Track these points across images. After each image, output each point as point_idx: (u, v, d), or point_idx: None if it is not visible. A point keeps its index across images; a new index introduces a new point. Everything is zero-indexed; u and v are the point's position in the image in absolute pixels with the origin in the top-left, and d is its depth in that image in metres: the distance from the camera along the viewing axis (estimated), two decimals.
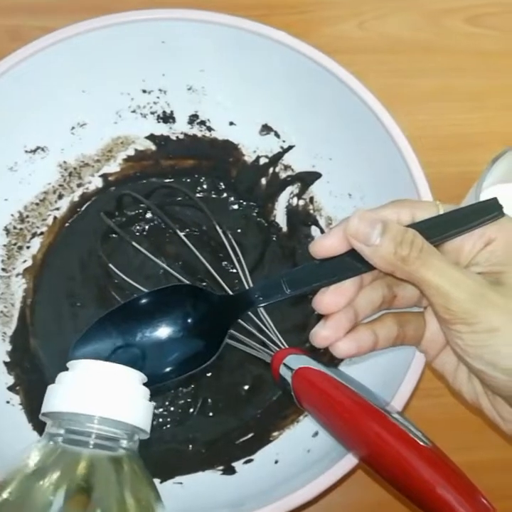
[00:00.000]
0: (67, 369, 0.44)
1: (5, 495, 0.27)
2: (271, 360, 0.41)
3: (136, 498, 0.28)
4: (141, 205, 0.49)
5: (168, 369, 0.35)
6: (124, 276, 0.45)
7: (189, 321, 0.36)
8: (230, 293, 0.45)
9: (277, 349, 0.42)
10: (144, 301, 0.36)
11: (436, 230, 0.32)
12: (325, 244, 0.32)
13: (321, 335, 0.33)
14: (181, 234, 0.47)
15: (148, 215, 0.49)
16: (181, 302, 0.36)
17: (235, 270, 0.46)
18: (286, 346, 0.42)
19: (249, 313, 0.44)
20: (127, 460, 0.29)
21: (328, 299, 0.33)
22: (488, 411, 0.34)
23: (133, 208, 0.49)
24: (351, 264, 0.32)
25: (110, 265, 0.45)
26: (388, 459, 0.33)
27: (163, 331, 0.36)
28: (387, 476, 0.34)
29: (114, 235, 0.48)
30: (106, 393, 0.29)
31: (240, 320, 0.42)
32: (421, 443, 0.33)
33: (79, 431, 0.29)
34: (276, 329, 0.43)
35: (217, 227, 0.46)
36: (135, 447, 0.30)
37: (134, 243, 0.46)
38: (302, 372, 0.38)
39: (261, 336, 0.43)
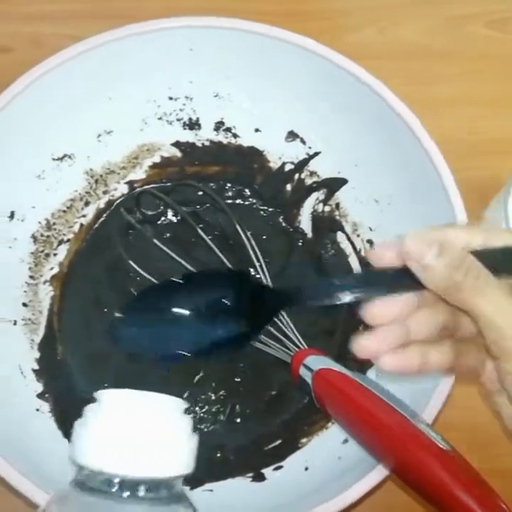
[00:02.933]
0: (95, 376, 0.45)
1: None
2: (290, 360, 0.41)
3: None
4: (162, 208, 0.50)
5: (204, 347, 0.34)
6: (144, 274, 0.45)
7: (231, 305, 0.36)
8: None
9: (297, 349, 0.42)
10: (189, 279, 0.37)
11: (506, 261, 0.30)
12: (383, 254, 0.31)
13: (360, 343, 0.31)
14: (201, 232, 0.47)
15: (170, 216, 0.49)
16: (227, 286, 0.36)
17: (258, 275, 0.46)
18: (306, 347, 0.42)
19: None
20: (169, 502, 0.26)
21: (377, 309, 0.31)
22: None
23: (154, 208, 0.50)
24: (406, 279, 0.31)
25: (130, 262, 0.45)
26: (408, 461, 0.34)
27: (204, 310, 0.36)
28: (407, 479, 0.35)
29: (133, 231, 0.48)
30: (140, 443, 0.25)
31: None
32: (441, 446, 0.33)
33: (110, 487, 0.25)
34: (296, 329, 0.44)
35: (238, 227, 0.46)
36: (179, 488, 0.27)
37: (155, 240, 0.46)
38: (323, 373, 0.38)
39: (281, 336, 0.43)
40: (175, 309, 0.37)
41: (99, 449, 0.25)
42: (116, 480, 0.24)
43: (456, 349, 0.32)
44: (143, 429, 0.25)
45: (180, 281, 0.37)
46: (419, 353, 0.32)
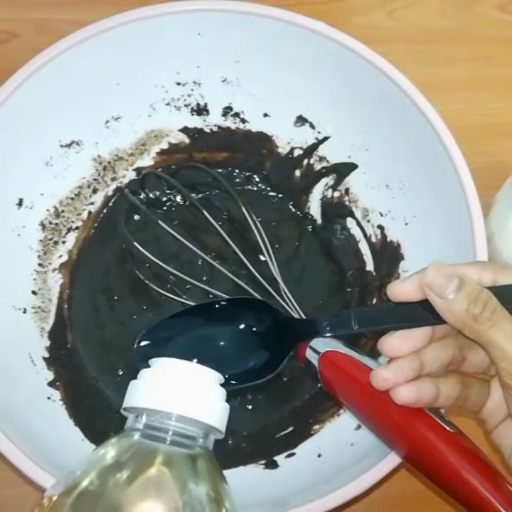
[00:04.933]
0: (105, 364, 0.45)
1: (84, 484, 0.27)
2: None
3: (208, 495, 0.28)
4: (168, 191, 0.49)
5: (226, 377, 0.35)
6: (151, 256, 0.45)
7: (250, 334, 0.37)
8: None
9: None
10: (209, 308, 0.38)
11: None
12: (402, 289, 0.33)
13: (381, 375, 0.33)
14: (208, 216, 0.46)
15: (178, 200, 0.49)
16: (246, 315, 0.37)
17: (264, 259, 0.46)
18: None
19: (274, 293, 0.45)
20: (202, 458, 0.29)
21: (394, 342, 0.33)
22: None
23: (161, 194, 0.50)
24: (423, 313, 0.33)
25: (135, 244, 0.46)
26: (415, 443, 0.34)
27: (223, 339, 0.37)
28: (416, 462, 0.35)
29: (140, 216, 0.49)
30: (185, 392, 0.30)
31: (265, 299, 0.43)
32: (447, 428, 0.33)
33: (157, 427, 0.29)
34: (302, 313, 0.44)
35: (244, 210, 0.46)
36: (210, 446, 0.31)
37: (160, 222, 0.47)
38: (329, 355, 0.38)
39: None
40: (195, 338, 0.38)
41: (153, 393, 0.30)
42: (162, 418, 0.29)
43: (462, 382, 0.34)
44: (188, 384, 0.30)
45: (201, 308, 0.39)
46: (432, 384, 0.33)
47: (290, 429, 0.44)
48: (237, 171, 0.50)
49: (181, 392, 0.30)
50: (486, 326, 0.31)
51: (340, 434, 0.42)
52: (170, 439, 0.29)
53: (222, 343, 0.37)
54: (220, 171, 0.50)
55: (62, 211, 0.47)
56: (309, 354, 0.39)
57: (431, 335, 0.33)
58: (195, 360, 0.32)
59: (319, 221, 0.49)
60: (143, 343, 0.37)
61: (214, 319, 0.38)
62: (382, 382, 0.33)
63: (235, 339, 0.37)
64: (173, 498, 0.27)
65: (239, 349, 0.37)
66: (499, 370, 0.31)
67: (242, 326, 0.37)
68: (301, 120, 0.49)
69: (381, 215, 0.47)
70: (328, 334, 0.36)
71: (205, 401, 0.30)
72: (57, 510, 0.27)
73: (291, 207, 0.50)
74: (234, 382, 0.35)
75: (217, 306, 0.38)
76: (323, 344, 0.39)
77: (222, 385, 0.32)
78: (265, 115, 0.49)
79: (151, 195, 0.49)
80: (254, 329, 0.37)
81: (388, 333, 0.33)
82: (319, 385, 0.44)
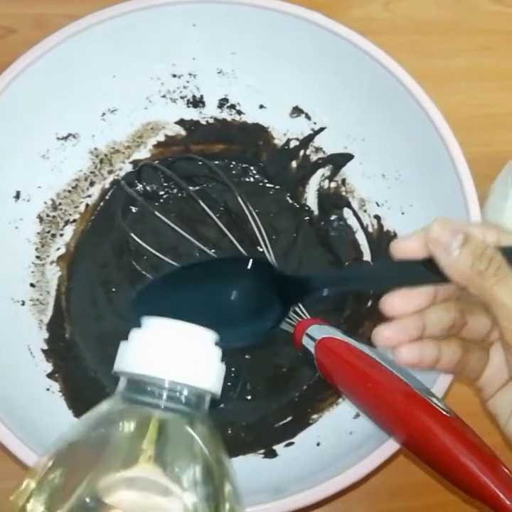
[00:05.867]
0: (104, 355, 0.45)
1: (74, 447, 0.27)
2: (293, 330, 0.41)
3: (206, 459, 0.28)
4: (165, 184, 0.49)
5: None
6: (148, 248, 0.45)
7: (249, 293, 0.36)
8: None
9: (300, 319, 0.41)
10: (206, 267, 0.37)
11: None
12: (406, 246, 0.32)
13: (382, 334, 0.32)
14: (205, 206, 0.46)
15: (175, 192, 0.49)
16: (241, 274, 0.36)
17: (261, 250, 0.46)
18: (308, 317, 0.42)
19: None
20: (197, 421, 0.29)
21: (396, 300, 0.32)
22: None
23: (157, 186, 0.50)
24: (426, 272, 0.32)
25: (132, 235, 0.46)
26: (412, 428, 0.34)
27: (221, 299, 0.36)
28: (413, 448, 0.35)
29: (137, 208, 0.49)
30: (179, 356, 0.29)
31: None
32: (444, 413, 0.33)
33: (150, 392, 0.28)
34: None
35: (240, 200, 0.46)
36: (205, 409, 0.30)
37: (156, 212, 0.47)
38: (326, 342, 0.38)
39: None
40: (191, 298, 0.36)
41: (144, 358, 0.29)
42: (155, 384, 0.28)
43: (462, 347, 0.34)
44: (181, 346, 0.29)
45: (196, 267, 0.37)
46: (434, 346, 0.32)
47: (289, 418, 0.45)
48: (233, 162, 0.50)
49: (174, 357, 0.29)
50: (491, 281, 0.30)
51: (339, 423, 0.42)
52: (164, 405, 0.28)
53: (216, 303, 0.36)
54: (216, 162, 0.50)
55: (60, 204, 0.48)
56: (306, 341, 0.39)
57: (433, 295, 0.33)
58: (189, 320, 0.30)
59: (316, 212, 0.50)
60: (136, 301, 0.35)
61: (208, 279, 0.36)
62: (383, 341, 0.32)
63: (230, 299, 0.36)
64: (169, 464, 0.27)
65: (233, 309, 0.36)
66: (502, 329, 0.30)
67: (237, 286, 0.36)
68: (297, 111, 0.49)
69: (378, 205, 0.47)
70: (328, 292, 0.34)
71: (200, 364, 0.29)
72: (49, 474, 0.26)
73: (288, 198, 0.50)
74: (229, 342, 0.34)
75: (211, 265, 0.37)
76: (320, 331, 0.39)
77: (217, 343, 0.31)
78: (261, 106, 0.49)
79: (147, 188, 0.50)
80: (251, 289, 0.36)
81: (390, 292, 0.32)
82: (317, 374, 0.44)
